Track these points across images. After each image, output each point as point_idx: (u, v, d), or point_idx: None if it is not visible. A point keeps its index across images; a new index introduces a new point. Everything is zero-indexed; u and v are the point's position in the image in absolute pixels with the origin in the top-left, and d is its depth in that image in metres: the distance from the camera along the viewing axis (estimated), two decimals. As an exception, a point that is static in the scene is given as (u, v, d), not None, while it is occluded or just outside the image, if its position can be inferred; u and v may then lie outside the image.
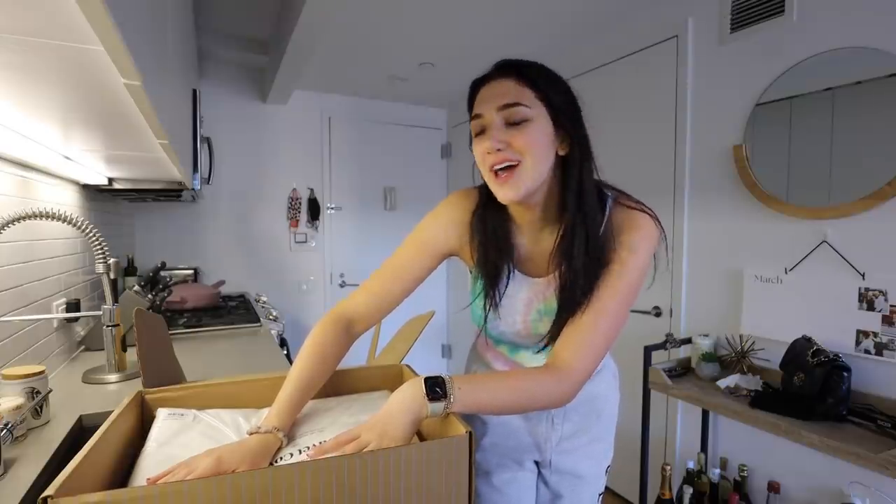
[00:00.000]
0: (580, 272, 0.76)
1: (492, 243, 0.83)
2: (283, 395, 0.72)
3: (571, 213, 0.77)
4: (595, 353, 0.74)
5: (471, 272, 0.91)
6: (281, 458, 0.65)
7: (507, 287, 0.85)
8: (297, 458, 0.64)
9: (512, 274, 0.85)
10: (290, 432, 0.71)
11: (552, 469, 0.97)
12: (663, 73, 2.01)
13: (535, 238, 0.84)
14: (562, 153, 0.77)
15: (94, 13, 0.38)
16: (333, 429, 0.71)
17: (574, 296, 0.76)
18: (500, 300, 0.85)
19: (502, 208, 0.83)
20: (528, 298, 0.85)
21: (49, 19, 0.40)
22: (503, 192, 0.75)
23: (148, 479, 0.58)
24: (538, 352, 0.88)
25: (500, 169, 0.74)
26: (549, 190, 0.79)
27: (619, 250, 0.76)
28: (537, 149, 0.74)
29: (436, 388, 0.65)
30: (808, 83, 1.53)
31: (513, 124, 0.73)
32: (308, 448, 0.66)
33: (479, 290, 0.87)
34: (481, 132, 0.76)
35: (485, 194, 0.84)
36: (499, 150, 0.73)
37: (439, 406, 0.64)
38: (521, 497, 0.98)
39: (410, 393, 0.65)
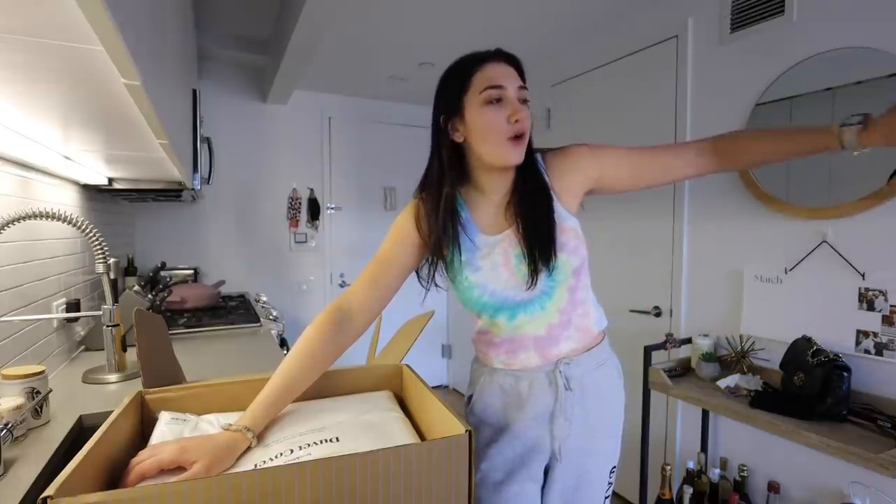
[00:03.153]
0: (536, 209, 0.90)
1: (449, 212, 0.92)
2: (261, 396, 0.73)
3: (523, 168, 0.91)
4: None
5: (444, 262, 0.96)
6: (280, 455, 0.65)
7: (471, 245, 0.92)
8: (287, 458, 0.64)
9: (475, 237, 0.93)
10: (290, 432, 0.71)
11: (563, 468, 0.96)
12: (663, 73, 2.01)
13: (496, 200, 0.95)
14: None
15: (94, 13, 0.38)
16: (335, 428, 0.71)
17: (539, 232, 0.88)
18: (475, 262, 0.92)
19: (462, 180, 0.95)
20: (503, 250, 0.92)
21: (49, 19, 0.40)
22: (516, 155, 0.87)
23: (132, 461, 0.61)
24: (533, 307, 0.92)
25: (517, 136, 0.86)
26: None
27: (594, 161, 0.94)
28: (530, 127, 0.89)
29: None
30: (808, 83, 1.53)
31: (522, 102, 0.87)
32: (309, 445, 0.66)
33: (455, 278, 0.94)
34: (497, 101, 0.86)
35: (456, 167, 0.94)
36: (524, 120, 0.86)
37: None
38: None
39: None
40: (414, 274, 0.97)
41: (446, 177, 0.92)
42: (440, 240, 0.91)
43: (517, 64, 0.90)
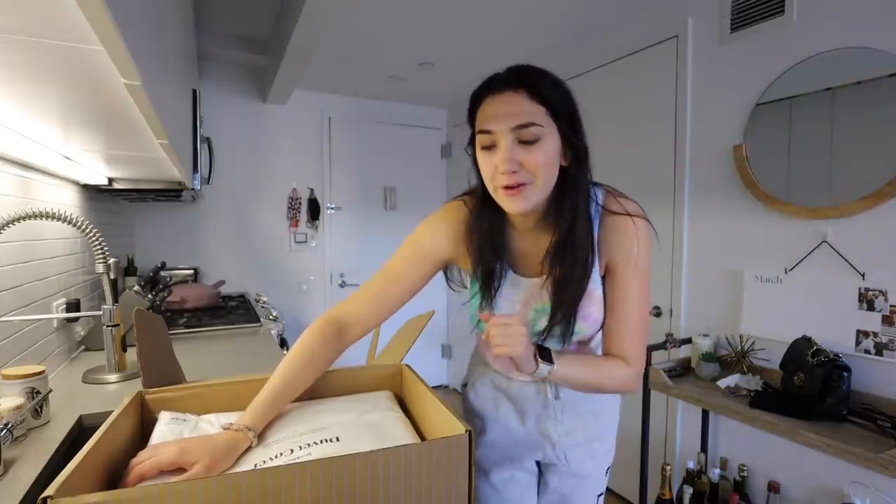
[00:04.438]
0: (572, 273, 0.79)
1: (487, 244, 0.84)
2: (261, 396, 0.73)
3: (568, 220, 0.79)
4: (644, 349, 0.85)
5: (469, 276, 0.92)
6: (280, 455, 0.65)
7: (500, 287, 0.86)
8: (288, 458, 0.64)
9: (505, 274, 0.86)
10: (290, 431, 0.71)
11: (557, 468, 0.97)
12: (663, 73, 2.01)
13: (531, 240, 0.86)
14: (564, 164, 0.78)
15: (94, 13, 0.38)
16: (335, 428, 0.71)
17: (567, 295, 0.80)
18: (494, 300, 0.86)
19: (499, 211, 0.83)
20: (525, 298, 0.86)
21: (49, 19, 0.40)
22: (512, 205, 0.76)
23: (132, 462, 0.61)
24: None
25: (508, 187, 0.74)
26: (549, 197, 0.80)
27: (622, 261, 0.82)
28: (548, 168, 0.75)
29: (545, 353, 0.78)
30: (808, 83, 1.53)
31: (525, 142, 0.73)
32: (309, 445, 0.66)
33: (475, 291, 0.88)
34: (490, 146, 0.75)
35: (481, 197, 0.84)
36: (513, 171, 0.73)
37: (545, 368, 0.76)
38: (522, 498, 0.98)
39: (527, 351, 0.75)
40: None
41: (489, 212, 0.83)
42: (480, 252, 0.84)
43: (529, 88, 0.73)
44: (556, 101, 0.74)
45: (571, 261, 0.79)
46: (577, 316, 0.81)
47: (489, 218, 0.84)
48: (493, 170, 0.75)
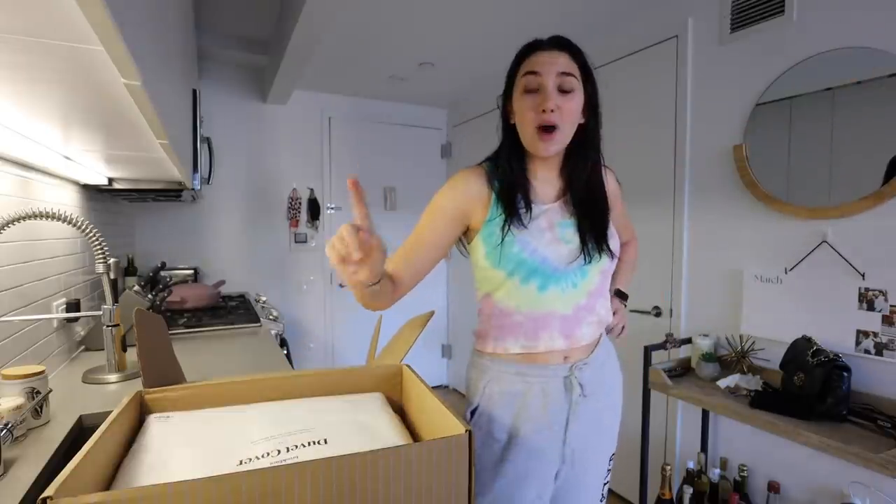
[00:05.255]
0: (588, 194, 0.97)
1: (520, 172, 0.95)
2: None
3: (586, 165, 0.97)
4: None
5: (479, 232, 0.94)
6: (267, 454, 0.63)
7: (530, 213, 0.94)
8: (274, 459, 0.63)
9: (531, 203, 0.95)
10: (277, 430, 0.69)
11: (570, 459, 0.97)
12: (663, 73, 2.01)
13: (548, 175, 0.99)
14: (581, 122, 0.94)
15: (94, 13, 0.38)
16: (322, 429, 0.69)
17: (586, 209, 0.96)
18: (523, 220, 0.93)
19: (522, 158, 0.96)
20: (549, 219, 0.95)
21: (49, 19, 0.40)
22: (545, 147, 0.89)
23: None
24: (566, 282, 0.92)
25: (546, 127, 0.87)
26: (567, 148, 0.96)
27: (614, 196, 1.06)
28: (575, 117, 0.91)
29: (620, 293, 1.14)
30: (808, 83, 1.53)
31: (563, 92, 0.88)
32: (296, 447, 0.65)
33: (494, 232, 0.91)
34: (533, 90, 0.88)
35: (509, 145, 0.96)
36: (552, 111, 0.86)
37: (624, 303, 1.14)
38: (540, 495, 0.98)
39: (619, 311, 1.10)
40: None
41: (512, 157, 0.95)
42: (507, 199, 0.93)
43: (572, 49, 0.90)
44: (585, 65, 0.92)
45: (586, 168, 0.96)
46: (608, 227, 0.96)
47: (516, 159, 0.95)
48: (535, 109, 0.87)
